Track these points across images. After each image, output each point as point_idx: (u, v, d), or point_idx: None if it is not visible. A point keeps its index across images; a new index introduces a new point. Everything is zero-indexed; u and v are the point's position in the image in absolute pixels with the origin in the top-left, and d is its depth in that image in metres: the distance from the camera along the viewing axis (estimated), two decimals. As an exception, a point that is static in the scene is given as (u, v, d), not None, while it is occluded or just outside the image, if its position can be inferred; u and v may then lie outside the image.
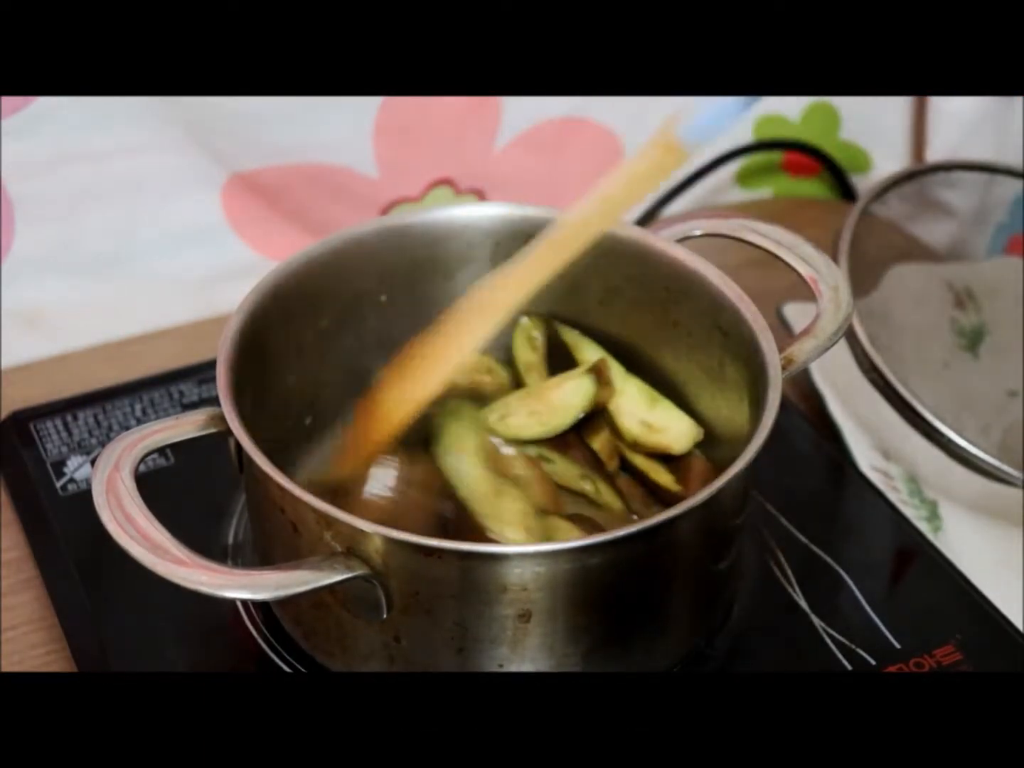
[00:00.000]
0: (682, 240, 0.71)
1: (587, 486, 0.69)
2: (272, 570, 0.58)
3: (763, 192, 1.04)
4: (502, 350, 0.74)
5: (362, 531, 0.57)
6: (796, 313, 0.84)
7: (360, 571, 0.58)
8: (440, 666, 0.61)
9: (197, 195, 0.87)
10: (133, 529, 0.57)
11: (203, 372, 0.80)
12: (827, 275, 0.68)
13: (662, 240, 0.70)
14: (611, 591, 0.60)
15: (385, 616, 0.59)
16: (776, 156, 1.03)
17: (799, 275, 0.68)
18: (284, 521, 0.60)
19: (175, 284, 0.89)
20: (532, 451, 0.70)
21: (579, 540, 0.60)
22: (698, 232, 0.72)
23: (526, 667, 0.60)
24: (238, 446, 0.62)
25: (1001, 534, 0.79)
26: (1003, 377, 0.84)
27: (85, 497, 0.72)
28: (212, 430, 0.62)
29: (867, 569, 0.71)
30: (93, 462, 0.75)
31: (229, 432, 0.61)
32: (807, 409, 0.81)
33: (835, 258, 0.79)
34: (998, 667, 0.66)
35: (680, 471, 0.69)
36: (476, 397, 0.72)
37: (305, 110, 0.84)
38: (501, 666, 0.60)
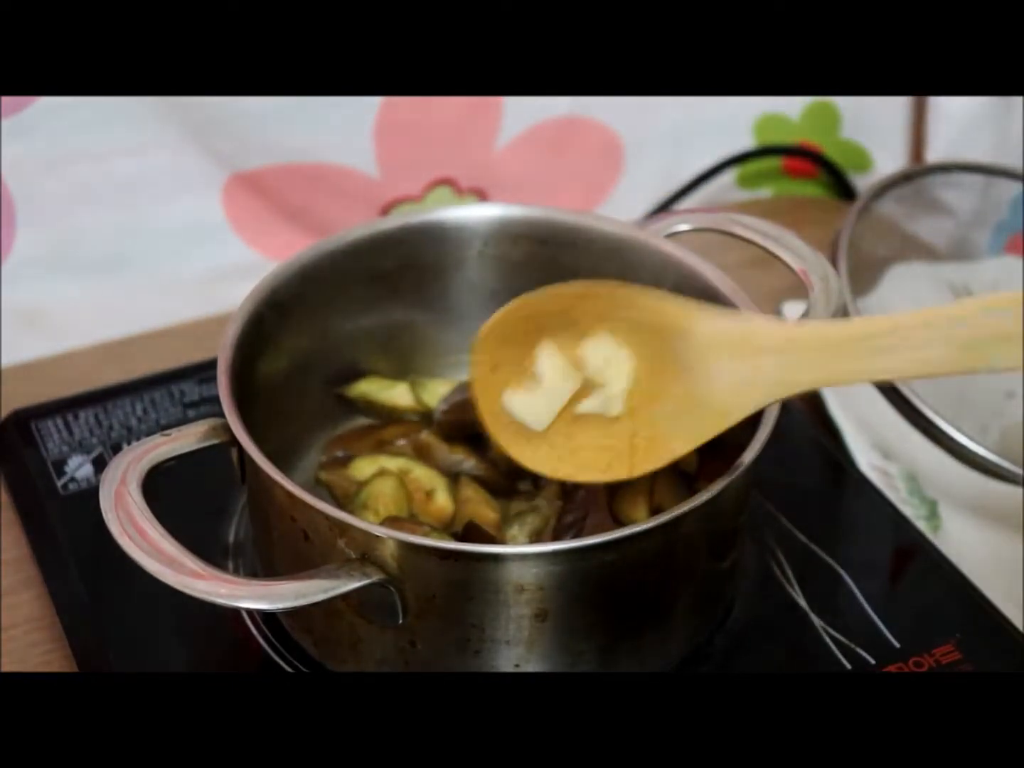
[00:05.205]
0: (670, 235, 0.70)
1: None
2: (289, 579, 0.57)
3: (763, 193, 1.04)
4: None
5: (377, 536, 0.57)
6: (795, 312, 0.84)
7: (377, 577, 0.57)
8: (456, 668, 0.60)
9: (198, 195, 0.87)
10: (146, 544, 0.56)
11: (204, 371, 0.80)
12: (816, 266, 0.67)
13: (656, 238, 0.70)
14: (624, 587, 0.60)
15: (401, 621, 0.59)
16: (776, 158, 1.03)
17: (787, 266, 0.67)
18: (295, 529, 0.60)
19: (176, 283, 0.89)
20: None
21: (595, 538, 0.59)
22: (684, 227, 0.71)
23: (543, 666, 0.60)
24: (240, 454, 0.62)
25: (1001, 533, 0.79)
26: (1001, 378, 0.84)
27: (86, 496, 0.73)
28: (216, 440, 0.62)
29: (867, 568, 0.71)
30: (94, 461, 0.75)
31: (233, 442, 0.61)
32: (807, 408, 0.81)
33: (834, 258, 0.79)
34: (998, 667, 0.66)
35: None
36: None
37: (305, 110, 0.84)
38: (517, 666, 0.60)
